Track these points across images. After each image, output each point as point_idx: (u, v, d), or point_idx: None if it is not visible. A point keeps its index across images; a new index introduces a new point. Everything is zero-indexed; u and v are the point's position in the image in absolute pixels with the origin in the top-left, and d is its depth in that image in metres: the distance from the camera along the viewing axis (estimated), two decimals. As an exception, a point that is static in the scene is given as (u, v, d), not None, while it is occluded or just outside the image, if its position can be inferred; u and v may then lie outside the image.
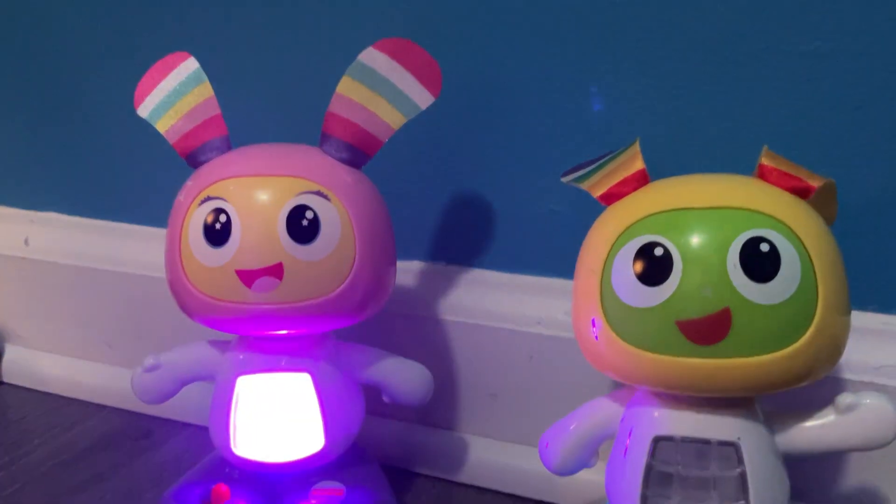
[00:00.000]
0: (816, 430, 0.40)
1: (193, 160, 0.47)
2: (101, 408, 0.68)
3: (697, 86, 0.49)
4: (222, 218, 0.44)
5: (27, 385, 0.72)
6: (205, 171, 0.46)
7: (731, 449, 0.40)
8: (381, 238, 0.47)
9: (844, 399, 0.40)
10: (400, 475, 0.57)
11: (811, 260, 0.37)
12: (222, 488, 0.49)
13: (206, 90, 0.47)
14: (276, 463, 0.48)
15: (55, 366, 0.71)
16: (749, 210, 0.37)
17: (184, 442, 0.63)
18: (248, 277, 0.44)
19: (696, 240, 0.37)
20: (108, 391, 0.68)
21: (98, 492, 0.57)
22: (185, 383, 0.51)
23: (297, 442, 0.48)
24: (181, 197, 0.46)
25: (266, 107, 0.61)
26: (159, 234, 0.47)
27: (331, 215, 0.44)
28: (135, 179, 0.67)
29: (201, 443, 0.61)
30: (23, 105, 0.71)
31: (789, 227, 0.37)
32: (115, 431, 0.65)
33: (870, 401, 0.40)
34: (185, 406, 0.56)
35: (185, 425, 0.65)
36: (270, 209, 0.44)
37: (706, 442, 0.40)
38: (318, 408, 0.48)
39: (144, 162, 0.66)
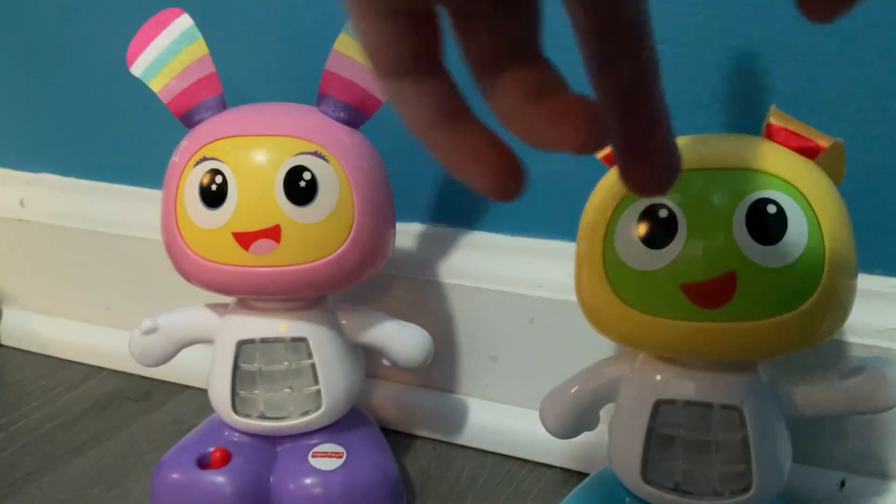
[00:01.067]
0: (820, 393, 0.40)
1: (188, 120, 0.47)
2: (99, 369, 0.68)
3: (704, 43, 0.48)
4: (218, 179, 0.43)
5: (25, 347, 0.72)
6: (200, 130, 0.46)
7: (734, 413, 0.40)
8: (380, 200, 0.46)
9: (849, 362, 0.40)
10: (400, 438, 0.57)
11: (818, 222, 0.36)
12: (221, 451, 0.49)
13: (200, 48, 0.47)
14: (276, 426, 0.48)
15: (53, 328, 0.71)
16: (756, 171, 0.36)
17: (183, 404, 0.63)
18: (245, 240, 0.43)
19: (701, 202, 0.36)
20: (107, 353, 0.68)
21: (96, 453, 0.57)
22: (183, 346, 0.51)
23: (297, 404, 0.48)
24: (176, 157, 0.46)
25: (262, 65, 0.60)
26: (156, 195, 0.47)
27: (329, 176, 0.44)
28: (131, 140, 0.67)
29: (200, 405, 0.61)
30: (16, 66, 0.70)
31: (797, 189, 0.36)
32: (113, 393, 0.65)
33: (875, 365, 0.40)
34: (184, 368, 0.56)
35: (184, 387, 0.65)
36: (267, 170, 0.43)
37: (709, 406, 0.40)
38: (317, 371, 0.48)
39: (141, 122, 0.65)
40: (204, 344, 0.50)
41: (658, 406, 0.40)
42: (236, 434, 0.50)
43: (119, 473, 0.55)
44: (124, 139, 0.67)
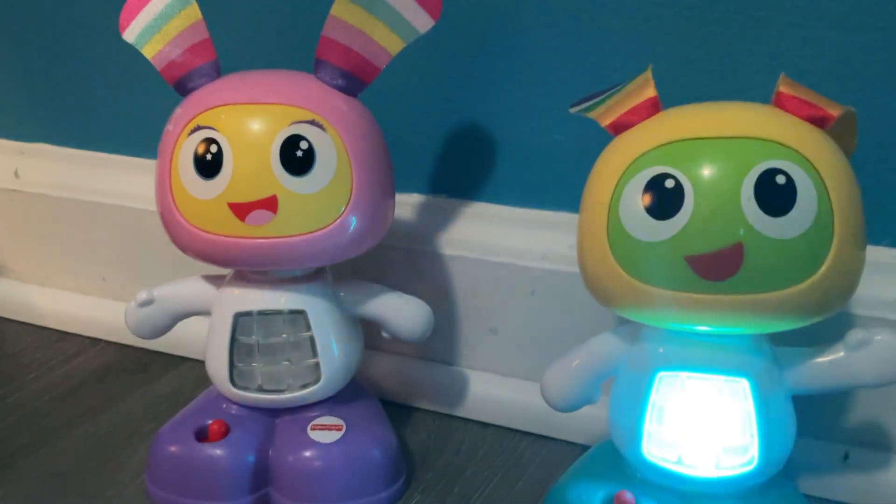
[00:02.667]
0: (826, 366, 0.40)
1: (182, 87, 0.46)
2: (96, 341, 0.68)
3: (712, 9, 0.47)
4: (213, 148, 0.43)
5: (21, 319, 0.71)
6: (194, 98, 0.45)
7: (738, 385, 0.39)
8: (379, 170, 0.45)
9: (855, 335, 0.39)
10: (399, 410, 0.57)
11: (828, 193, 0.35)
12: (219, 424, 0.49)
13: (193, 13, 0.45)
14: (274, 399, 0.48)
15: (49, 299, 0.71)
16: (765, 140, 0.36)
17: (180, 376, 0.63)
18: (241, 210, 0.43)
19: (709, 171, 0.35)
20: (104, 325, 0.68)
21: (93, 426, 0.57)
22: (179, 318, 0.50)
23: (295, 377, 0.48)
24: (170, 126, 0.45)
25: (257, 31, 0.59)
26: (153, 165, 0.46)
27: (326, 146, 0.43)
28: (126, 109, 0.66)
29: (198, 377, 0.61)
30: (9, 35, 0.69)
31: (807, 159, 0.35)
32: (110, 365, 0.64)
33: (881, 337, 0.39)
34: (181, 340, 0.56)
35: (182, 359, 0.64)
36: (263, 139, 0.42)
37: (712, 379, 0.39)
38: (315, 343, 0.47)
39: (136, 90, 0.65)
40: (200, 316, 0.50)
41: (661, 378, 0.40)
42: (234, 407, 0.49)
43: (116, 446, 0.54)
44: (121, 108, 0.66)
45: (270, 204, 0.42)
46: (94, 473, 0.52)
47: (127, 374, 0.63)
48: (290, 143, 0.42)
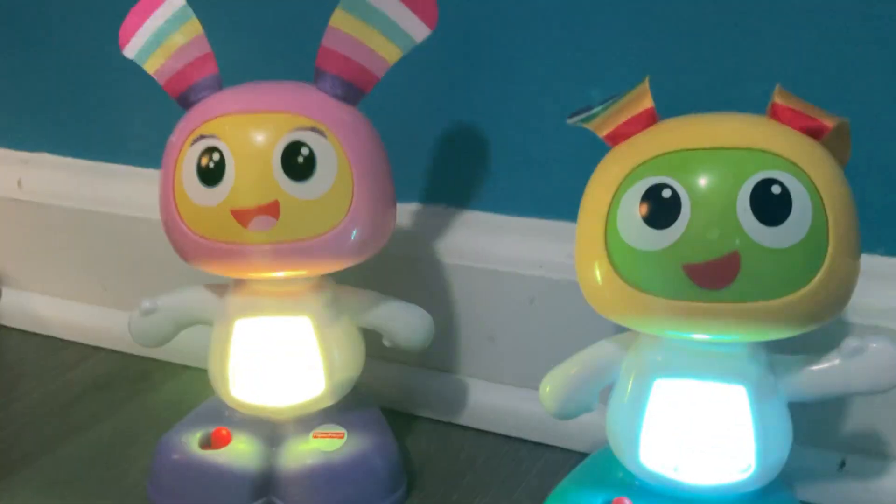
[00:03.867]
0: (822, 374, 0.40)
1: (185, 101, 0.46)
2: (97, 349, 0.68)
3: (707, 20, 0.47)
4: (215, 156, 0.43)
5: (23, 327, 0.71)
6: (197, 110, 0.45)
7: (734, 393, 0.39)
8: (380, 177, 0.46)
9: (850, 343, 0.40)
10: (400, 418, 0.57)
11: (823, 203, 0.36)
12: (222, 432, 0.49)
13: (194, 28, 0.46)
14: (277, 407, 0.48)
15: (51, 308, 0.71)
16: (761, 151, 0.36)
17: (182, 384, 0.63)
18: (243, 217, 0.43)
19: (705, 181, 0.36)
20: (105, 333, 0.68)
21: (95, 434, 0.57)
22: (182, 327, 0.50)
23: (298, 386, 0.48)
24: (173, 137, 0.45)
25: (257, 43, 0.59)
26: (155, 175, 0.47)
27: (327, 152, 0.43)
28: (129, 119, 0.66)
29: (200, 385, 0.61)
30: (12, 45, 0.69)
31: (802, 169, 0.36)
32: (112, 373, 0.64)
33: (876, 344, 0.39)
34: (183, 348, 0.56)
35: (184, 367, 0.64)
36: (264, 146, 0.43)
37: (709, 387, 0.40)
38: (318, 351, 0.47)
39: (138, 100, 0.65)
40: (202, 324, 0.50)
41: (658, 386, 0.40)
42: (237, 414, 0.50)
43: (117, 454, 0.54)
44: (122, 119, 0.66)
45: (272, 209, 0.43)
46: (96, 482, 0.52)
47: (128, 382, 0.63)
48: (292, 149, 0.43)
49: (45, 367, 0.66)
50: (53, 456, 0.54)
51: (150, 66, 0.46)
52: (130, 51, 0.46)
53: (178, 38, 0.46)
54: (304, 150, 0.43)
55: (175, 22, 0.46)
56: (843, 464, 0.48)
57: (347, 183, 0.44)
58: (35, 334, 0.70)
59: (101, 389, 0.62)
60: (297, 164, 0.43)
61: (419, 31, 0.45)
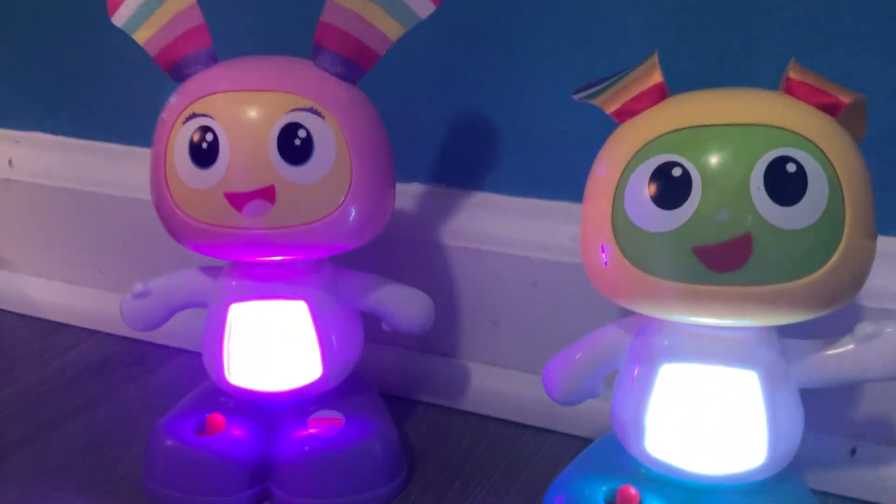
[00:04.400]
0: (835, 359, 0.39)
1: (177, 74, 0.45)
2: (92, 333, 0.67)
3: (718, -6, 0.46)
4: (209, 137, 0.42)
5: (17, 310, 0.71)
6: (189, 85, 0.44)
7: (745, 379, 0.39)
8: (379, 159, 0.45)
9: (864, 328, 0.39)
10: (400, 403, 0.57)
11: (839, 182, 0.35)
12: (218, 418, 0.48)
13: (186, -4, 0.45)
14: (273, 392, 0.48)
15: (45, 290, 0.70)
16: (775, 127, 0.35)
17: (178, 368, 0.62)
18: (238, 201, 0.42)
19: (717, 159, 0.34)
20: (100, 316, 0.67)
21: (90, 418, 0.56)
22: (175, 310, 0.50)
23: (294, 370, 0.48)
24: (165, 114, 0.44)
25: (254, 16, 0.58)
26: (148, 153, 0.46)
27: (325, 134, 0.42)
28: (122, 97, 0.65)
29: (195, 369, 0.60)
30: (3, 23, 0.68)
31: (817, 147, 0.35)
32: (107, 357, 0.64)
33: (890, 329, 0.39)
34: (178, 332, 0.55)
35: (180, 351, 0.64)
36: (260, 127, 0.42)
37: (719, 372, 0.39)
38: (315, 336, 0.47)
39: (131, 78, 0.64)
40: (196, 308, 0.49)
41: (665, 371, 0.40)
42: (233, 400, 0.49)
43: (112, 439, 0.54)
44: (115, 96, 0.65)
45: (268, 194, 0.42)
46: (90, 467, 0.51)
47: (123, 366, 0.63)
48: (288, 132, 0.42)
49: (38, 350, 0.65)
50: (47, 441, 0.54)
51: (141, 37, 0.45)
52: (119, 18, 0.45)
53: (170, 7, 0.44)
54: (302, 133, 0.42)
55: (167, -10, 0.45)
56: (854, 451, 0.47)
57: (346, 166, 0.43)
58: (28, 317, 0.70)
59: (96, 374, 0.62)
60: (295, 146, 0.42)
61: (424, 6, 0.44)
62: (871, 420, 0.47)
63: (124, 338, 0.66)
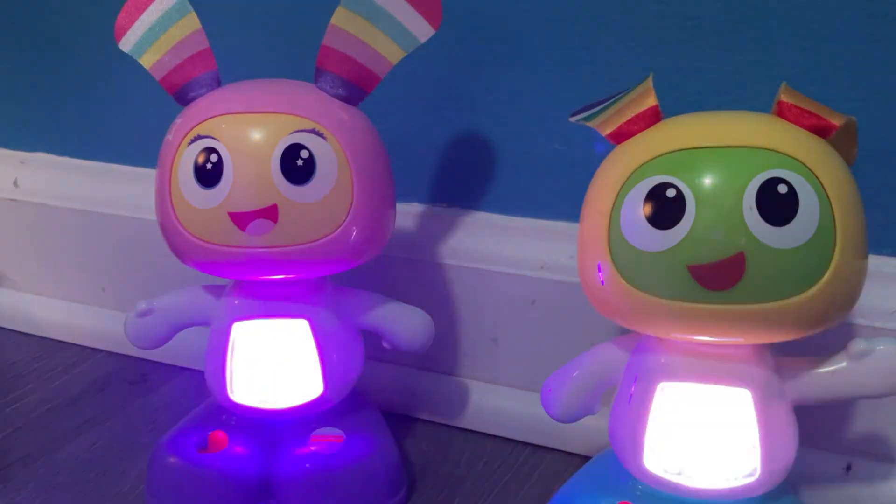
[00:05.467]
0: (828, 377, 0.40)
1: (182, 97, 0.46)
2: (95, 351, 0.68)
3: (712, 19, 0.47)
4: (213, 158, 0.42)
5: (20, 329, 0.71)
6: (194, 108, 0.45)
7: (739, 396, 0.39)
8: (380, 179, 0.45)
9: (857, 345, 0.39)
10: (400, 421, 0.57)
11: (830, 203, 0.35)
12: (219, 435, 0.48)
13: (192, 22, 0.45)
14: (274, 409, 0.48)
15: (48, 309, 0.70)
16: (767, 149, 0.35)
17: (179, 386, 0.63)
18: (241, 220, 0.42)
19: (710, 181, 0.35)
20: (103, 335, 0.67)
21: (92, 436, 0.56)
22: (178, 329, 0.50)
23: (296, 388, 0.48)
24: (170, 136, 0.45)
25: (257, 40, 0.59)
26: (152, 174, 0.46)
27: (327, 155, 0.43)
28: (126, 118, 0.66)
29: (197, 387, 0.60)
30: (9, 45, 0.69)
31: (808, 168, 0.35)
32: (109, 375, 0.64)
33: (883, 347, 0.39)
34: (180, 350, 0.56)
35: (182, 369, 0.64)
36: (264, 148, 0.42)
37: (714, 389, 0.39)
38: (316, 354, 0.47)
39: (136, 100, 0.65)
40: (199, 326, 0.50)
41: (662, 389, 0.40)
42: (234, 417, 0.49)
43: (115, 456, 0.54)
44: (119, 117, 0.66)
45: (271, 213, 0.42)
46: (93, 485, 0.52)
47: (126, 384, 0.63)
48: (291, 152, 0.42)
49: (42, 368, 0.65)
50: (50, 459, 0.54)
51: (147, 61, 0.46)
52: (126, 44, 0.46)
53: (176, 33, 0.45)
54: (304, 153, 0.42)
55: (172, 16, 0.45)
56: (848, 468, 0.47)
57: (347, 186, 0.43)
58: (32, 336, 0.70)
59: (99, 391, 0.62)
60: (297, 167, 0.42)
61: (423, 30, 0.45)
62: (866, 437, 0.47)
63: (127, 356, 0.66)
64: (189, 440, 0.48)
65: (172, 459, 0.47)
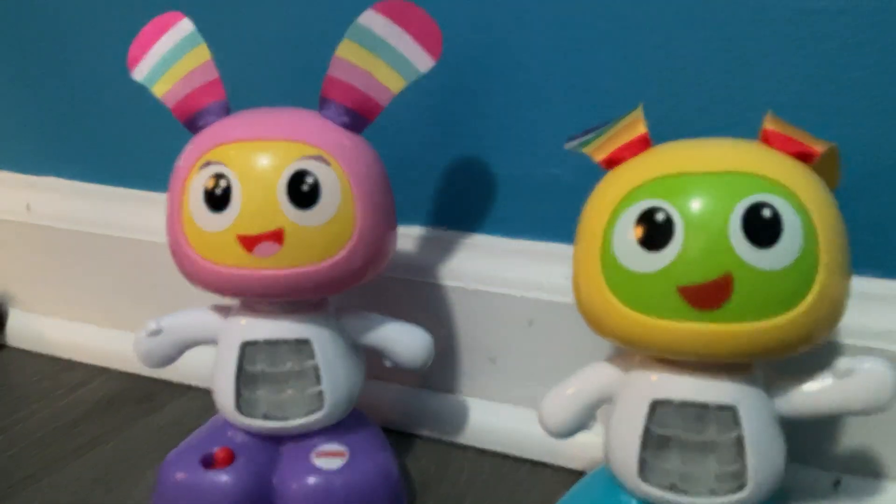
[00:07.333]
0: (815, 394, 0.41)
1: (192, 125, 0.47)
2: (103, 370, 0.68)
3: (701, 50, 0.48)
4: (223, 183, 0.44)
5: (29, 348, 0.72)
6: (204, 135, 0.46)
7: (728, 413, 0.40)
8: (382, 203, 0.47)
9: (843, 363, 0.40)
10: (401, 438, 0.58)
11: (813, 226, 0.36)
12: (226, 451, 0.49)
13: (202, 53, 0.47)
14: (279, 426, 0.49)
15: (57, 329, 0.71)
16: (752, 175, 0.37)
17: (186, 405, 0.63)
18: (249, 242, 0.44)
19: (697, 205, 0.36)
20: (110, 354, 0.68)
21: (99, 454, 0.57)
22: (187, 347, 0.51)
23: (300, 406, 0.49)
24: (181, 162, 0.46)
25: (264, 70, 0.60)
26: (161, 198, 0.47)
27: (331, 180, 0.44)
28: (136, 143, 0.67)
29: (203, 405, 0.62)
30: (21, 69, 0.70)
31: (792, 193, 0.36)
32: (116, 394, 0.65)
33: (868, 365, 0.40)
34: (186, 369, 0.56)
35: (188, 388, 0.65)
36: (271, 174, 0.43)
37: (704, 406, 0.40)
38: (319, 371, 0.48)
39: (146, 126, 0.65)
40: (207, 345, 0.51)
41: (654, 406, 0.41)
42: (240, 434, 0.50)
43: (121, 475, 0.55)
44: (130, 143, 0.67)
45: (277, 236, 0.43)
46: (99, 503, 0.52)
47: (133, 402, 0.63)
48: (297, 178, 0.43)
49: (49, 387, 0.66)
50: (57, 477, 0.55)
51: (159, 90, 0.47)
52: (139, 73, 0.47)
53: (187, 63, 0.47)
54: (310, 179, 0.44)
55: (184, 47, 0.47)
56: (837, 483, 0.48)
57: (350, 210, 0.45)
58: (41, 355, 0.71)
59: (106, 410, 0.63)
60: (302, 192, 0.43)
61: (424, 62, 0.46)
62: (855, 452, 0.48)
63: (133, 375, 0.67)
64: (195, 456, 0.49)
65: (179, 475, 0.48)
